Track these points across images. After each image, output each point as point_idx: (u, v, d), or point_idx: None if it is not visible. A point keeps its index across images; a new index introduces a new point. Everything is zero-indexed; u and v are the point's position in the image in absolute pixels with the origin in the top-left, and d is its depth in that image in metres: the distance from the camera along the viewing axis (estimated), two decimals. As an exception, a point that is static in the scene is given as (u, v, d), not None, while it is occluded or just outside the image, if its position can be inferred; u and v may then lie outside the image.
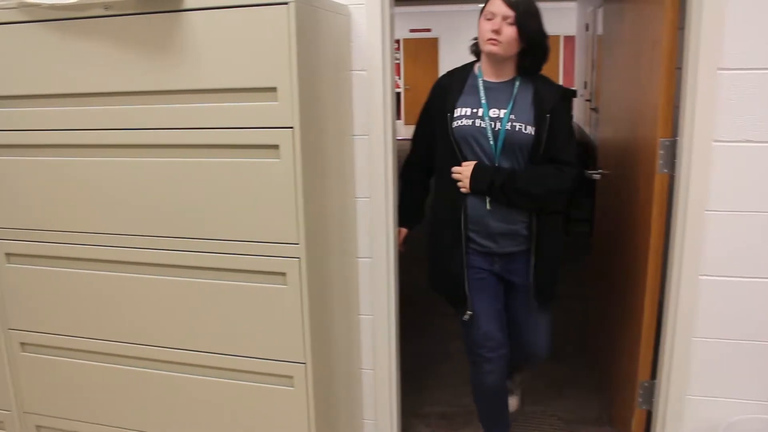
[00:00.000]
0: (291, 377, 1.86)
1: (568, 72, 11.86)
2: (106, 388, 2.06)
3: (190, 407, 1.99)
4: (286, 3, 1.58)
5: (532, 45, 2.02)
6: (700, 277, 2.04)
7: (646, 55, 2.20)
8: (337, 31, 2.00)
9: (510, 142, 2.04)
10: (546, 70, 2.09)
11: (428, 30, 14.25)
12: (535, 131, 2.04)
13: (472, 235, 2.15)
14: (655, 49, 2.08)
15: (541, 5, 2.01)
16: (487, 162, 2.08)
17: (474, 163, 2.08)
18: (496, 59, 2.05)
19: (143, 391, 2.02)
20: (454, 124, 2.09)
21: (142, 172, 1.82)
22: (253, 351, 1.87)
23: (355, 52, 2.13)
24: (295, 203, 1.71)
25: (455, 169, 2.11)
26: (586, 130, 6.65)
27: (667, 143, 2.04)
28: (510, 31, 1.96)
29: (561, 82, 11.56)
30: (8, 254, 2.03)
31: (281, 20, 1.60)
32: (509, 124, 2.03)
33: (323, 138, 1.88)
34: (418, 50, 14.45)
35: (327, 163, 1.92)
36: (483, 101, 2.08)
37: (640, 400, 2.29)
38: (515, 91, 2.07)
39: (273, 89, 1.65)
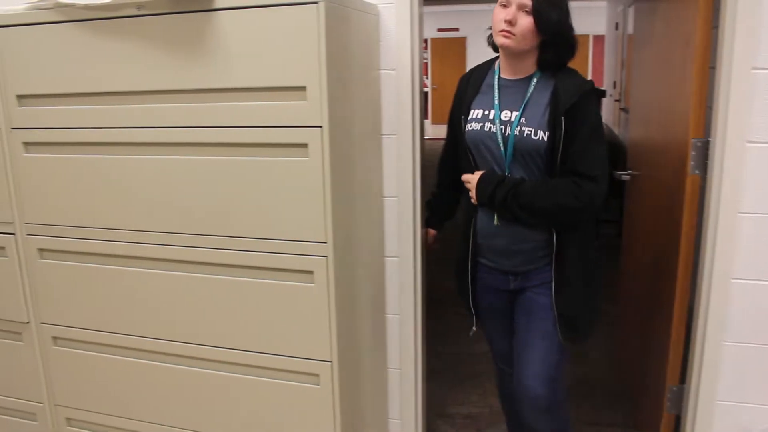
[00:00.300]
0: (317, 375, 1.86)
1: (598, 72, 11.74)
2: (135, 382, 2.09)
3: (217, 403, 2.00)
4: (315, 2, 1.59)
5: (554, 37, 1.77)
6: (732, 281, 2.00)
7: (678, 54, 2.17)
8: (366, 31, 2.00)
9: (520, 149, 1.80)
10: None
11: (456, 29, 14.22)
12: (550, 137, 1.77)
13: (482, 250, 1.98)
14: (687, 48, 2.05)
15: (570, 3, 1.87)
16: (499, 171, 1.86)
17: (483, 171, 1.89)
18: (511, 53, 1.82)
19: (171, 387, 2.04)
20: (467, 127, 1.90)
21: (171, 170, 1.84)
22: (279, 349, 1.88)
23: (384, 52, 2.13)
24: (323, 202, 1.72)
25: (464, 177, 1.94)
26: (615, 130, 6.58)
27: (699, 144, 2.01)
28: (526, 22, 1.72)
29: (590, 81, 11.44)
30: (41, 250, 2.06)
31: (311, 20, 1.60)
32: (519, 128, 1.80)
33: (351, 137, 1.88)
34: (446, 49, 14.43)
35: (355, 162, 1.93)
36: (495, 102, 1.86)
37: (669, 404, 2.26)
38: (530, 89, 1.82)
39: (302, 88, 1.65)
